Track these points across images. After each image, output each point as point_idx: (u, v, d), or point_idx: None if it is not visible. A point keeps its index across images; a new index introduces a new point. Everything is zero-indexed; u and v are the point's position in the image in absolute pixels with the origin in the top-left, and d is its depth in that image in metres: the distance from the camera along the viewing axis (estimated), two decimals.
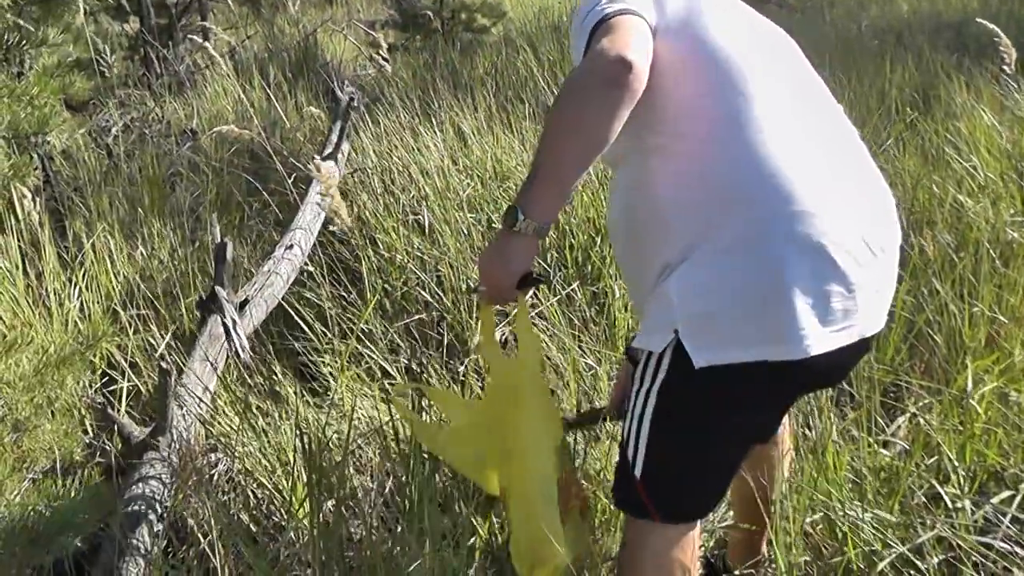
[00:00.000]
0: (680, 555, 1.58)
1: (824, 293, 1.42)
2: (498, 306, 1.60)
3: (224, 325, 2.77)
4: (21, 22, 3.18)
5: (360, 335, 2.76)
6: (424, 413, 2.11)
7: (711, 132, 1.51)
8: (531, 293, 1.50)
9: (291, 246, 3.24)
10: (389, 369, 2.74)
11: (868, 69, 5.80)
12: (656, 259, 1.53)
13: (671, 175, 1.52)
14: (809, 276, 1.41)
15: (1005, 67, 3.76)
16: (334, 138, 4.25)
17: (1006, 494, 1.97)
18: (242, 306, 2.89)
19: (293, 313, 2.90)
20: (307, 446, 2.02)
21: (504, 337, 2.43)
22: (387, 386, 2.63)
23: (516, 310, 1.56)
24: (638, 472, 1.55)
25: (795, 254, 1.41)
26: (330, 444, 2.26)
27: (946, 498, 1.98)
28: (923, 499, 2.01)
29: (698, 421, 1.51)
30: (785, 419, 1.83)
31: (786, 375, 1.45)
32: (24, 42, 3.06)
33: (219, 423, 2.53)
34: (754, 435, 1.63)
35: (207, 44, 5.83)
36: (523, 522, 1.79)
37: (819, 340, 1.41)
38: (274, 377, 2.55)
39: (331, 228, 3.61)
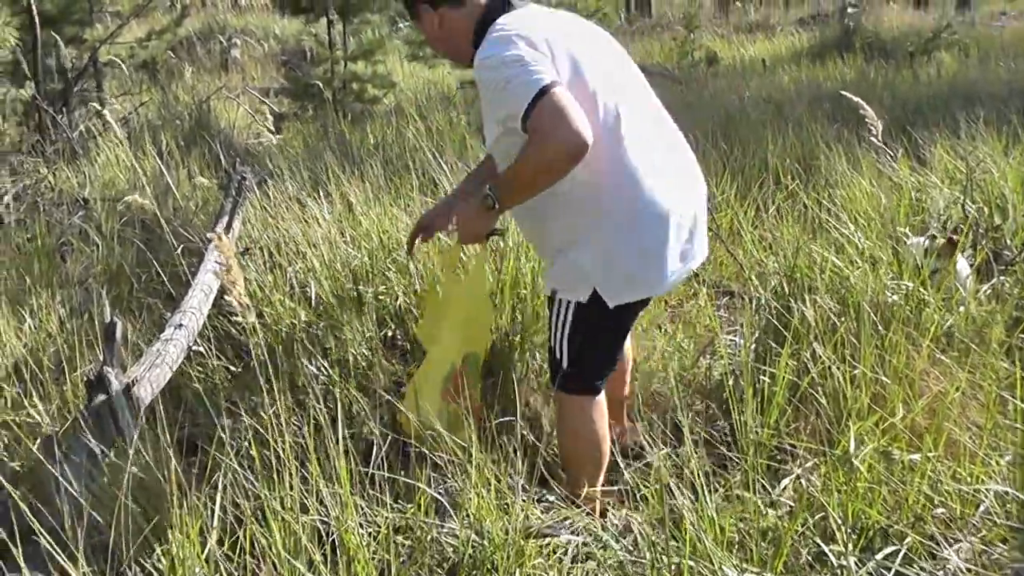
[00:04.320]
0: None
1: (679, 248, 2.34)
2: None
3: (111, 406, 2.71)
4: None
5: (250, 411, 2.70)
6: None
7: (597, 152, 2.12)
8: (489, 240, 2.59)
9: (181, 325, 3.18)
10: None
11: (750, 140, 5.98)
12: (554, 238, 2.39)
13: (567, 180, 2.15)
14: (673, 240, 2.30)
15: (873, 138, 4.04)
16: (226, 217, 4.18)
17: (890, 550, 2.00)
18: (130, 387, 2.82)
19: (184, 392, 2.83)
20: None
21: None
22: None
23: (479, 249, 2.74)
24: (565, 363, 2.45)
25: (659, 228, 2.28)
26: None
27: (831, 556, 2.00)
28: (808, 560, 2.03)
29: (608, 331, 2.46)
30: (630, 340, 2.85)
31: (649, 299, 2.50)
32: None
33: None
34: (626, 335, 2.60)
35: (104, 111, 5.74)
36: (419, 375, 2.74)
37: (675, 278, 2.39)
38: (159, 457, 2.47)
39: (225, 298, 3.55)
